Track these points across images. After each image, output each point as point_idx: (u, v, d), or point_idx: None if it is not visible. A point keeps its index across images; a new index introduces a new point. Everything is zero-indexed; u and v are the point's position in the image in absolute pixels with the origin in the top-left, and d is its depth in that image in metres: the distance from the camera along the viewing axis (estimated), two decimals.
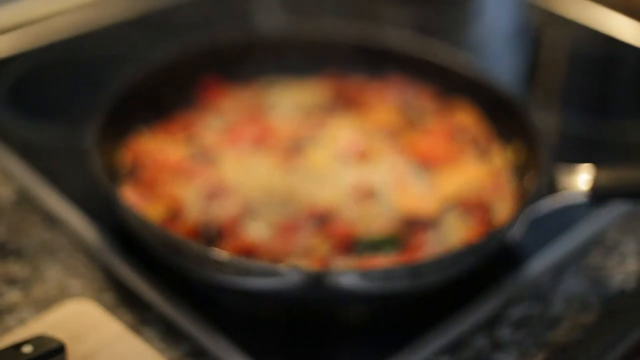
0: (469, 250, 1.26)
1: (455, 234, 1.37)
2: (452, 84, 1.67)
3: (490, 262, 1.35)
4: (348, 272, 1.21)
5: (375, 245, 1.34)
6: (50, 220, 1.43)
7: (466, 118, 1.61)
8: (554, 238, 1.44)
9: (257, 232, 1.35)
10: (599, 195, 1.33)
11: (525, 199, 1.36)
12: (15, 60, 1.85)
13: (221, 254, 1.19)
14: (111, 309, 1.26)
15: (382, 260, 1.30)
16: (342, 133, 1.59)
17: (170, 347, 1.21)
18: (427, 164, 1.52)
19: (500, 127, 1.58)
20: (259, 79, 1.72)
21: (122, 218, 1.32)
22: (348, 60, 1.74)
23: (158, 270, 1.31)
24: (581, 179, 1.34)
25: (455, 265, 1.26)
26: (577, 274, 1.38)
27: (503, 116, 1.57)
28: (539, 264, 1.40)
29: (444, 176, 1.50)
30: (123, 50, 1.90)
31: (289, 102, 1.68)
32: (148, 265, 1.32)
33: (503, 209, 1.43)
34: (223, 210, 1.38)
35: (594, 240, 1.45)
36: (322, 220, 1.37)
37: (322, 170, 1.49)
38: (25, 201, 1.47)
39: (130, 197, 1.38)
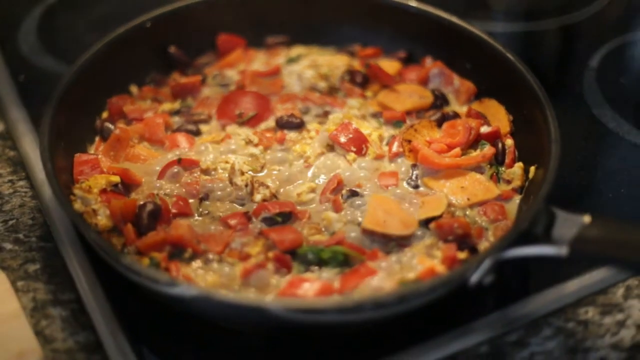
0: (412, 295, 1.09)
1: (419, 263, 1.19)
2: (493, 85, 1.45)
3: (450, 305, 1.18)
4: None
5: (321, 259, 1.20)
6: (16, 167, 1.40)
7: (498, 126, 1.39)
8: (537, 289, 1.22)
9: (197, 223, 1.24)
10: (581, 252, 1.10)
11: (498, 242, 1.16)
12: None
13: (126, 259, 1.10)
14: (29, 280, 1.22)
15: (314, 286, 1.16)
16: (346, 115, 1.41)
17: (70, 333, 1.16)
18: (433, 167, 1.33)
19: (529, 150, 1.35)
20: (283, 40, 1.58)
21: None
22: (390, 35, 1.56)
23: (92, 258, 1.23)
24: (568, 229, 1.11)
25: (393, 307, 1.10)
26: (551, 338, 1.17)
27: (532, 138, 1.33)
28: (508, 315, 1.19)
29: (446, 184, 1.31)
30: None
31: (307, 65, 1.52)
32: (86, 251, 1.24)
33: (490, 241, 1.23)
34: (180, 189, 1.28)
35: (585, 299, 1.22)
36: (284, 217, 1.24)
37: (305, 158, 1.35)
38: (5, 138, 1.45)
39: (95, 156, 1.32)
